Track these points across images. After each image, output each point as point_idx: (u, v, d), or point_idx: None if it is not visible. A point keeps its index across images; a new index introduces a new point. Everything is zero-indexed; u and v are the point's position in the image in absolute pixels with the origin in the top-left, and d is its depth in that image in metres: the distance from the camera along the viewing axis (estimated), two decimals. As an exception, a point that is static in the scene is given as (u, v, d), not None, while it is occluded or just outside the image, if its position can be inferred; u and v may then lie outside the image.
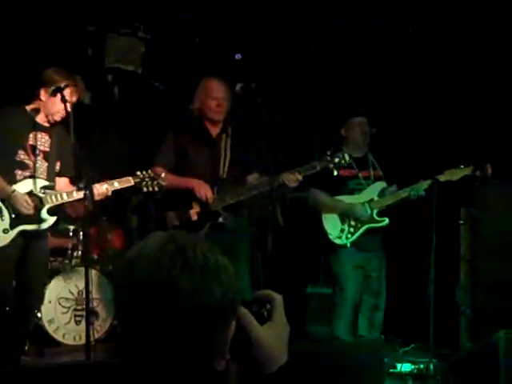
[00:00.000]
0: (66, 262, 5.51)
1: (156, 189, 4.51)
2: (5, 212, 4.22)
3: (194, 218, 4.66)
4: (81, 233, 5.55)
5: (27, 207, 4.21)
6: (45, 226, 4.38)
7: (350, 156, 4.76)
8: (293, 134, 6.63)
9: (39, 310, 5.03)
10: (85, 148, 4.39)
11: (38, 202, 4.28)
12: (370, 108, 5.24)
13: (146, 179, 4.48)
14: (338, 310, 4.95)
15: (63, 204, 4.45)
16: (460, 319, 5.28)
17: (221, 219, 4.67)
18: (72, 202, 4.42)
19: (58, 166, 4.48)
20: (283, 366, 1.36)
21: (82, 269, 5.14)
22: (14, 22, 5.79)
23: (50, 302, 5.15)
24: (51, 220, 4.39)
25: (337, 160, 4.66)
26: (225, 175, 4.77)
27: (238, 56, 6.76)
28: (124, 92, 6.85)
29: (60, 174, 4.51)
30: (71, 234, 5.59)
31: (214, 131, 4.84)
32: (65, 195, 4.34)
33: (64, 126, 4.42)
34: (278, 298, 1.41)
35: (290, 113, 6.71)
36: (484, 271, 5.20)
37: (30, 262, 4.35)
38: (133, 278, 1.27)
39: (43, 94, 4.30)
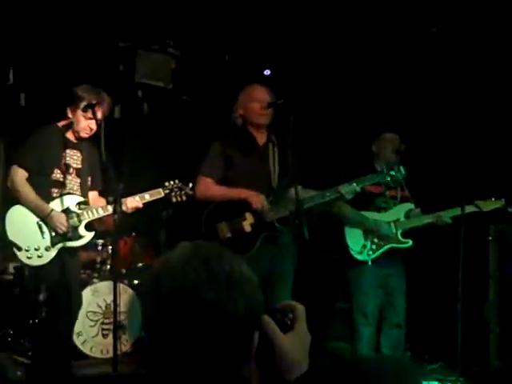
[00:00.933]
0: (95, 275, 5.57)
1: (184, 198, 4.57)
2: (46, 230, 4.31)
3: (248, 229, 4.44)
4: (109, 247, 5.61)
5: (61, 227, 4.28)
6: (83, 242, 4.46)
7: (402, 170, 4.73)
8: (322, 150, 6.62)
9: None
10: (114, 162, 4.42)
11: (76, 219, 4.36)
12: (401, 127, 5.20)
13: (175, 189, 4.56)
14: (360, 329, 4.90)
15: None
16: (489, 337, 5.22)
17: (275, 231, 4.48)
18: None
19: (89, 182, 4.57)
20: (304, 374, 1.38)
21: (110, 282, 5.22)
22: (47, 39, 5.92)
23: (78, 314, 5.21)
24: (89, 236, 4.46)
25: (393, 173, 4.66)
26: (276, 185, 4.60)
27: (267, 72, 6.81)
28: (153, 107, 6.93)
29: (91, 188, 4.59)
30: (100, 247, 5.66)
31: (261, 139, 4.68)
32: (100, 210, 4.41)
33: (91, 141, 4.52)
34: (301, 307, 1.45)
35: (319, 128, 6.70)
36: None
37: (69, 277, 4.41)
38: (159, 290, 1.30)
39: (70, 112, 4.40)
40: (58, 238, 4.32)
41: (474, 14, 5.61)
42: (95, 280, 5.47)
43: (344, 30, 6.22)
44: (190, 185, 4.58)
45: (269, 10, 6.05)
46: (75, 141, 4.47)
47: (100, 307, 5.36)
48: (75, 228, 4.37)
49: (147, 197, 4.51)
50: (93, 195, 4.61)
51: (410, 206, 5.02)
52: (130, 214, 4.61)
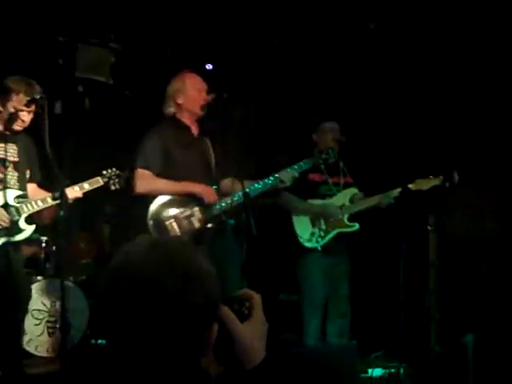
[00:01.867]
0: (39, 273, 5.48)
1: (123, 185, 4.55)
2: None
3: (197, 225, 4.36)
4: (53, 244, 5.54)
5: (3, 221, 4.22)
6: (25, 235, 4.39)
7: (333, 152, 4.80)
8: (261, 139, 6.68)
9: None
10: (56, 157, 4.34)
11: (15, 213, 4.29)
12: (340, 114, 5.32)
13: (113, 177, 4.54)
14: (308, 320, 4.99)
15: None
16: (430, 324, 5.36)
17: (222, 224, 4.44)
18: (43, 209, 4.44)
19: (27, 174, 4.50)
20: (261, 362, 1.42)
21: (55, 280, 5.16)
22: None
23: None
24: (30, 229, 4.40)
25: (324, 156, 4.74)
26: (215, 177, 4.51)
27: (208, 66, 6.81)
28: (95, 102, 6.85)
29: (29, 181, 4.52)
30: (44, 244, 5.57)
31: (195, 130, 4.58)
32: (40, 202, 4.36)
33: (27, 133, 4.46)
34: (257, 296, 1.48)
35: (259, 117, 6.74)
36: (452, 276, 5.30)
37: (15, 271, 4.35)
38: (119, 281, 1.33)
39: (0, 104, 4.31)
40: None
41: (410, 9, 5.77)
42: (39, 277, 5.37)
43: (286, 22, 6.27)
44: (127, 172, 4.55)
45: (210, 4, 6.06)
46: (9, 134, 4.39)
47: (45, 305, 5.27)
48: (15, 222, 4.31)
49: (86, 186, 4.47)
50: (31, 187, 4.54)
51: (354, 190, 5.15)
52: (74, 210, 4.58)
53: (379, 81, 6.30)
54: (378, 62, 6.27)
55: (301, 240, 4.95)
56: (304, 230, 4.98)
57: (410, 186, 4.88)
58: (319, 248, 4.94)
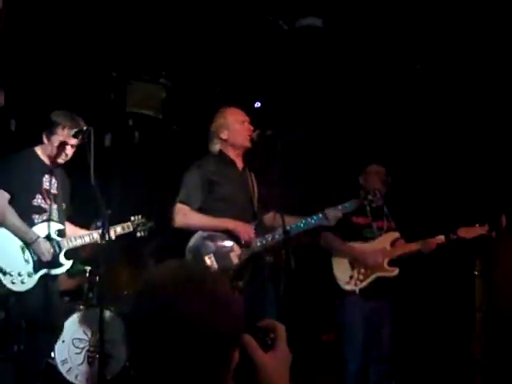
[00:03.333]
0: (81, 302, 5.54)
1: (146, 234, 4.77)
2: (28, 255, 4.30)
3: (236, 261, 4.29)
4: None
5: (47, 254, 4.29)
6: (63, 270, 4.48)
7: (379, 194, 4.76)
8: (308, 179, 6.68)
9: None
10: (104, 189, 4.40)
11: (57, 247, 4.37)
12: (385, 158, 5.29)
13: (140, 224, 4.70)
14: (347, 360, 4.90)
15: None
16: (475, 369, 5.23)
17: (262, 261, 4.41)
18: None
19: (64, 207, 4.59)
20: None
21: (96, 309, 5.19)
22: (40, 64, 5.96)
23: (63, 341, 5.14)
24: (68, 264, 4.50)
25: (370, 197, 4.66)
26: (257, 211, 4.47)
27: (257, 104, 6.87)
28: (144, 136, 6.96)
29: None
30: (88, 274, 5.63)
31: (240, 163, 4.56)
32: (79, 239, 4.46)
33: (63, 168, 4.57)
34: (282, 327, 1.46)
35: (306, 158, 6.75)
36: (499, 322, 5.17)
37: (52, 303, 4.42)
38: (144, 307, 1.32)
39: (45, 137, 4.43)
40: (40, 264, 4.32)
41: (456, 52, 5.76)
42: (82, 307, 5.42)
43: (334, 66, 6.31)
44: (152, 223, 4.79)
45: (258, 44, 6.14)
46: (51, 166, 4.49)
47: (86, 335, 5.30)
48: (56, 256, 4.39)
49: (119, 230, 4.65)
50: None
51: (396, 234, 5.06)
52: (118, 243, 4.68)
53: (426, 124, 6.27)
54: (423, 105, 6.25)
55: (339, 282, 4.90)
56: (343, 272, 4.93)
57: (452, 234, 4.80)
58: (357, 291, 4.87)
